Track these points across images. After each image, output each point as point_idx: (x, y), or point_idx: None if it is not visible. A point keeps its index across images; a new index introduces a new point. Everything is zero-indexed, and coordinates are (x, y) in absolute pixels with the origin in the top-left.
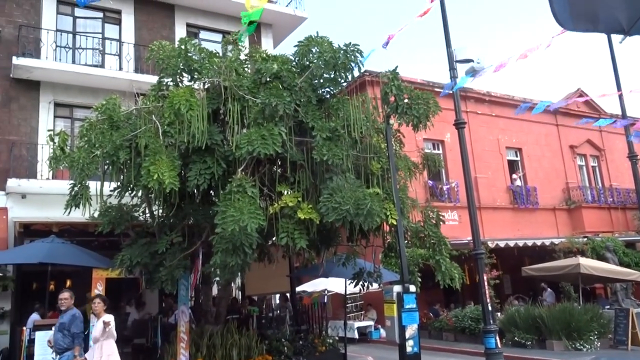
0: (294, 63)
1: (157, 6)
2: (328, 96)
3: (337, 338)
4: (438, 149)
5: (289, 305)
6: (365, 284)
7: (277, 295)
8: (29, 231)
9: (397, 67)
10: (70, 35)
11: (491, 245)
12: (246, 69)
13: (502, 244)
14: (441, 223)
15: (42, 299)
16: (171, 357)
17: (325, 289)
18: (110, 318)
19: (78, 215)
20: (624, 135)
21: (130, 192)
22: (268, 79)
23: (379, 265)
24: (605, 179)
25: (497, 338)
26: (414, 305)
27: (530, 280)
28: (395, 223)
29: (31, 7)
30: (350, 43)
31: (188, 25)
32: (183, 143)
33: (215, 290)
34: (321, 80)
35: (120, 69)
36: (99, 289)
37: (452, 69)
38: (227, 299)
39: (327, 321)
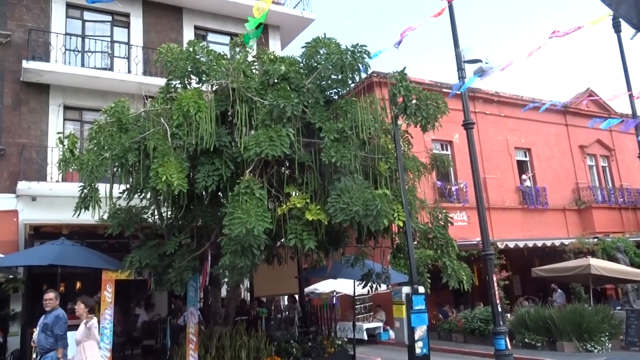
0: (302, 64)
1: (165, 9)
2: (336, 97)
3: (345, 339)
4: (446, 150)
5: (298, 306)
6: (374, 285)
7: (286, 297)
8: (39, 233)
9: (405, 67)
10: (80, 39)
11: (500, 246)
12: (254, 71)
13: (511, 244)
14: (450, 224)
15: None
16: (180, 358)
17: (334, 290)
18: (93, 321)
19: (87, 217)
20: (635, 134)
21: (139, 194)
22: (276, 81)
23: (388, 266)
24: (615, 179)
25: (507, 339)
26: (423, 307)
27: (540, 281)
28: (402, 224)
29: (41, 11)
30: (357, 44)
31: (196, 27)
32: (191, 145)
33: (224, 292)
34: (329, 82)
35: (129, 71)
36: (108, 290)
37: (460, 69)
38: (236, 301)
39: (335, 322)
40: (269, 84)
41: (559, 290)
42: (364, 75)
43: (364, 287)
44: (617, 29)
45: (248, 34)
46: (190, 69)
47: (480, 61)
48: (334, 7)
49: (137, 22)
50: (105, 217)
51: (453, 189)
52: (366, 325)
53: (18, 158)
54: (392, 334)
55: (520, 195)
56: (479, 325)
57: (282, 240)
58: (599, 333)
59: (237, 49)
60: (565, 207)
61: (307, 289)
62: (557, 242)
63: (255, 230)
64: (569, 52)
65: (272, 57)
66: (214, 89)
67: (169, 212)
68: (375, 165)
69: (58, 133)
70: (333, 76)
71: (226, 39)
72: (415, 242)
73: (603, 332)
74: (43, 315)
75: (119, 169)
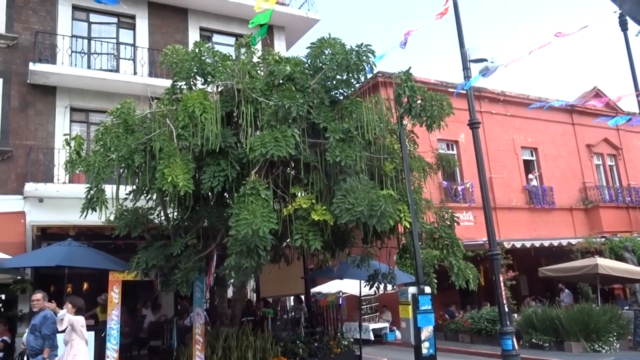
0: (307, 65)
1: (170, 10)
2: (341, 97)
3: (352, 340)
4: (452, 150)
5: (304, 307)
6: (380, 286)
7: (292, 297)
8: (46, 234)
9: (410, 67)
10: (86, 41)
11: (507, 245)
12: (259, 72)
13: (518, 244)
14: (456, 224)
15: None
16: (187, 359)
17: (340, 291)
18: (76, 319)
19: (94, 218)
20: None
21: (145, 195)
22: (281, 81)
23: (394, 266)
24: (622, 178)
25: (514, 340)
26: (430, 307)
27: (548, 281)
28: (408, 225)
29: (47, 14)
30: (362, 44)
31: (201, 29)
32: (197, 146)
33: (230, 293)
34: (334, 82)
35: (135, 73)
36: (115, 291)
37: (466, 68)
38: (242, 301)
39: (342, 323)
40: (274, 84)
41: (567, 290)
42: (369, 76)
43: (370, 288)
44: (623, 27)
45: (254, 34)
46: (195, 70)
47: (486, 60)
48: (338, 7)
49: (142, 24)
50: (111, 218)
51: (459, 188)
52: (372, 326)
53: (25, 160)
54: (398, 334)
55: (526, 194)
56: (485, 326)
57: (288, 240)
58: (607, 333)
59: (243, 50)
60: (572, 206)
61: (313, 290)
62: (564, 242)
63: (261, 231)
64: (576, 50)
65: (277, 57)
66: (219, 89)
67: (175, 213)
68: (381, 165)
69: (65, 135)
70: (338, 76)
71: (231, 40)
72: (421, 242)
73: (611, 332)
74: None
75: (125, 170)
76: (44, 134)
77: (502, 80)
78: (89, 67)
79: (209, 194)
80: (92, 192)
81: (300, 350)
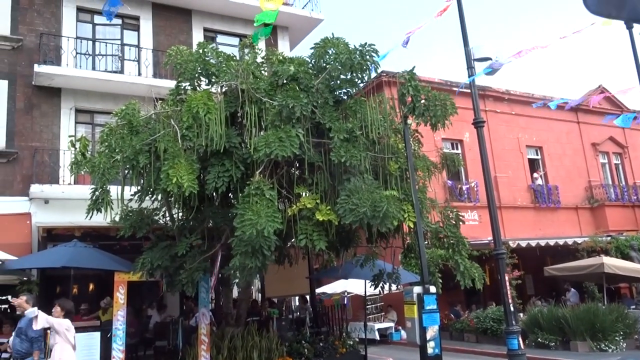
0: (311, 65)
1: (174, 11)
2: (345, 97)
3: (357, 340)
4: (457, 149)
5: (309, 306)
6: (385, 286)
7: (297, 297)
8: (52, 236)
9: (414, 67)
10: (90, 42)
11: (512, 245)
12: (263, 72)
13: (523, 243)
14: (461, 223)
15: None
16: (192, 359)
17: (345, 291)
18: (59, 321)
19: (100, 219)
20: None
21: (150, 196)
22: (285, 81)
23: (399, 266)
24: (628, 177)
25: (520, 339)
26: (435, 307)
27: (553, 280)
28: (413, 225)
29: (52, 16)
30: (366, 43)
31: (205, 29)
32: (201, 146)
33: (235, 293)
34: (338, 82)
35: (139, 74)
36: (121, 292)
37: (470, 67)
38: (247, 301)
39: (347, 323)
40: (278, 84)
41: (572, 289)
42: (373, 75)
43: (375, 288)
44: (628, 24)
45: (256, 32)
46: (199, 71)
47: (490, 59)
48: (342, 7)
49: (146, 25)
50: (117, 219)
51: (464, 188)
52: (378, 326)
53: (31, 161)
54: (403, 334)
55: (532, 193)
56: (491, 325)
57: (293, 240)
58: (613, 332)
59: (246, 50)
60: (577, 205)
61: (318, 290)
62: (569, 241)
63: (266, 231)
64: (581, 48)
65: (281, 57)
66: (223, 90)
67: (180, 214)
68: (385, 164)
69: (70, 136)
70: (342, 76)
71: (235, 41)
72: (426, 242)
73: (617, 331)
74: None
75: (130, 171)
76: (49, 136)
77: (506, 79)
78: (93, 68)
79: (214, 194)
80: (97, 193)
81: (306, 350)
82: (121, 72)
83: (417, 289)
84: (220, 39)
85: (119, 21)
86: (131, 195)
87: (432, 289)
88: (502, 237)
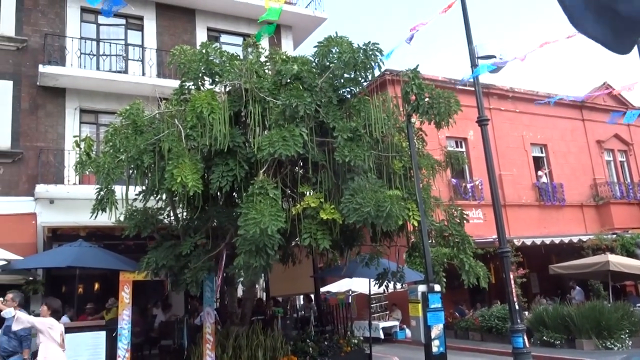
0: (314, 64)
1: (178, 11)
2: (349, 96)
3: (362, 338)
4: (461, 147)
5: (314, 305)
6: (390, 284)
7: (302, 296)
8: (57, 235)
9: (417, 65)
10: (94, 43)
11: (517, 243)
12: (267, 71)
13: (528, 241)
14: (465, 222)
15: (71, 302)
16: (198, 358)
17: (350, 290)
18: (41, 320)
19: (104, 219)
20: None
21: (154, 195)
22: (288, 80)
23: (403, 264)
24: (634, 174)
25: (525, 337)
26: (440, 305)
27: (558, 278)
28: (417, 223)
29: (56, 16)
30: (369, 42)
31: (209, 29)
32: (205, 146)
33: (240, 292)
34: (342, 81)
35: (143, 74)
36: (126, 291)
37: (474, 65)
38: (252, 300)
39: (351, 321)
40: (282, 83)
41: (578, 287)
42: (376, 74)
43: (379, 287)
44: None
45: (260, 31)
46: (203, 70)
47: (494, 57)
48: (345, 5)
49: (150, 25)
50: (121, 218)
51: (468, 186)
52: (382, 324)
53: (36, 161)
54: (408, 332)
55: (536, 191)
56: (496, 324)
57: (297, 239)
58: (619, 330)
59: (250, 50)
60: (582, 203)
61: (322, 289)
62: (574, 239)
63: (269, 230)
64: (585, 46)
65: (284, 57)
66: (227, 89)
67: (185, 213)
68: (389, 163)
69: (74, 136)
70: (346, 75)
71: (239, 40)
72: (431, 240)
73: (623, 329)
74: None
75: (135, 171)
76: (54, 136)
77: (511, 76)
78: (97, 68)
79: (218, 193)
80: (102, 193)
81: (310, 349)
82: (125, 72)
83: (422, 288)
84: (223, 38)
85: (123, 21)
86: (136, 195)
87: (437, 287)
88: (507, 236)
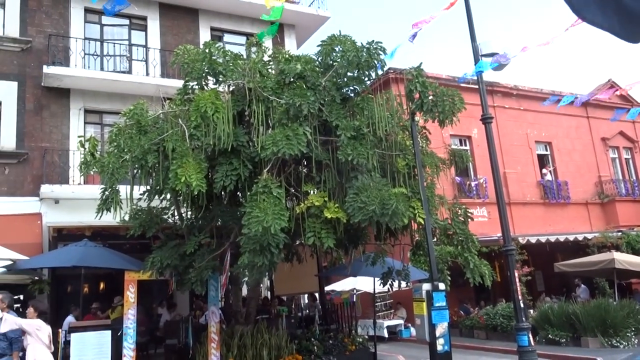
0: (318, 63)
1: (181, 11)
2: (352, 95)
3: (366, 337)
4: (465, 145)
5: (318, 304)
6: (395, 283)
7: (306, 295)
8: (62, 235)
9: (421, 63)
10: (98, 43)
11: (522, 241)
12: (270, 70)
13: (533, 239)
14: (469, 220)
15: (76, 302)
16: (203, 357)
17: (354, 288)
18: (28, 322)
19: (109, 219)
20: None
21: (159, 195)
22: (292, 79)
23: (408, 263)
24: (639, 171)
25: (530, 336)
26: (444, 303)
27: (563, 276)
28: (422, 222)
29: (60, 17)
30: (373, 41)
31: (212, 29)
32: (209, 145)
33: (244, 291)
34: (345, 79)
35: (147, 74)
36: (131, 291)
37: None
38: (257, 299)
39: (356, 320)
40: (285, 82)
41: (583, 285)
42: (380, 72)
43: (384, 285)
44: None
45: (263, 30)
46: (207, 70)
47: (498, 54)
48: (348, 4)
49: (154, 25)
50: (126, 218)
51: (472, 184)
52: (387, 323)
53: (41, 162)
54: (413, 331)
55: (541, 189)
56: (501, 322)
57: (302, 238)
58: (625, 328)
59: (253, 49)
60: (587, 200)
61: (327, 288)
62: (580, 237)
63: (273, 229)
64: (589, 42)
65: (287, 56)
66: (230, 89)
67: (189, 213)
68: (393, 162)
69: (79, 137)
70: (349, 74)
71: (242, 39)
72: (435, 239)
73: (629, 327)
74: None
75: (139, 171)
76: (59, 136)
77: (515, 74)
78: (101, 69)
79: (222, 193)
80: (106, 192)
81: (315, 347)
82: (129, 72)
83: (426, 286)
84: (227, 38)
85: (127, 21)
86: (140, 194)
87: (441, 286)
88: (512, 234)
